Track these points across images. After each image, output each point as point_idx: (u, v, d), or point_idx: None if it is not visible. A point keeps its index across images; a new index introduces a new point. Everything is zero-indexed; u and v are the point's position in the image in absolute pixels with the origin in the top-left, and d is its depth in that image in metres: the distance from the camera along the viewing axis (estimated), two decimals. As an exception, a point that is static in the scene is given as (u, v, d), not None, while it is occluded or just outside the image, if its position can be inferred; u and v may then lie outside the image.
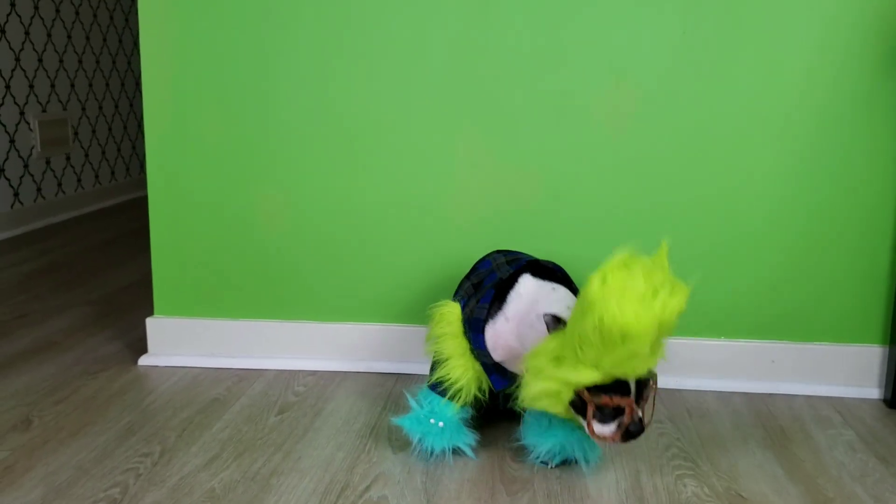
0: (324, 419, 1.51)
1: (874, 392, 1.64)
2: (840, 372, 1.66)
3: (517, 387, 1.38)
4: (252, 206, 1.72)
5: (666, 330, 1.14)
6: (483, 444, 1.41)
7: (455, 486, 1.27)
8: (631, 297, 1.09)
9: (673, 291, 1.12)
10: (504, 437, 1.42)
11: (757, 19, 1.56)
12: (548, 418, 1.35)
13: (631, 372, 1.16)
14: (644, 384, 1.20)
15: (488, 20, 1.60)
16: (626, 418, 1.18)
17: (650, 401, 1.27)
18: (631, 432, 1.19)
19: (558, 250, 1.64)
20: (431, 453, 1.35)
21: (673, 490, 1.27)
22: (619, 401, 1.17)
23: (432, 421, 1.35)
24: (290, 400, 1.59)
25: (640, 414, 1.19)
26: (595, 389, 1.17)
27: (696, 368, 1.68)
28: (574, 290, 1.32)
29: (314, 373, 1.73)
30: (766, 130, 1.60)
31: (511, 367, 1.33)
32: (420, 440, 1.35)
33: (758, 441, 1.45)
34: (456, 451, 1.36)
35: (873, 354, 1.65)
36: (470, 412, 1.41)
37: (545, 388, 1.19)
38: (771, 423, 1.52)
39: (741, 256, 1.65)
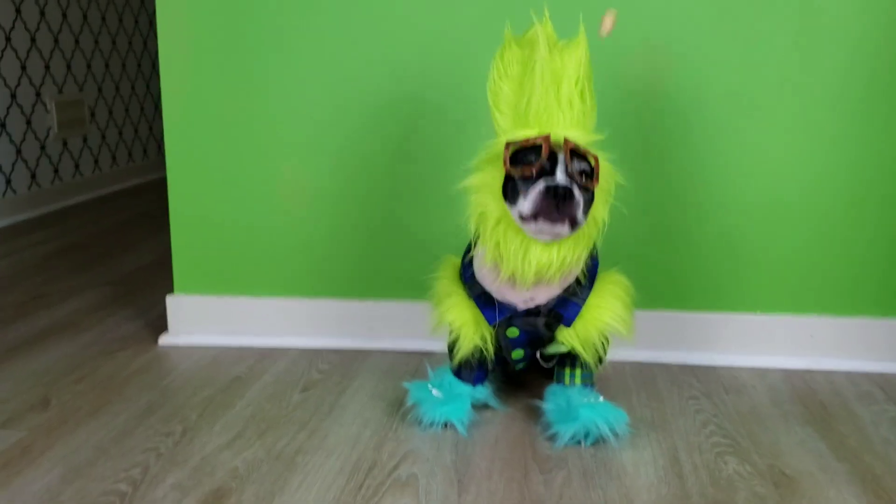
0: (349, 396, 1.47)
1: (918, 367, 1.59)
2: (881, 347, 1.60)
3: (530, 356, 1.37)
4: (272, 180, 1.68)
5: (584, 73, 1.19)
6: (514, 422, 1.37)
7: (486, 465, 1.23)
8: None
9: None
10: (535, 416, 1.37)
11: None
12: (565, 400, 1.31)
13: (554, 106, 1.17)
14: (577, 159, 1.17)
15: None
16: (543, 153, 1.14)
17: (600, 193, 1.21)
18: (555, 190, 1.12)
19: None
20: (422, 421, 1.34)
21: (714, 468, 1.22)
22: (535, 140, 1.15)
23: (435, 392, 1.35)
24: (314, 377, 1.55)
25: (565, 180, 1.14)
26: (515, 155, 1.17)
27: (731, 344, 1.63)
28: None
29: (338, 351, 1.68)
30: (806, 99, 1.54)
31: (497, 295, 1.28)
32: (415, 405, 1.36)
33: (798, 418, 1.39)
34: (449, 426, 1.33)
35: (916, 328, 1.59)
36: (488, 381, 1.40)
37: (478, 208, 1.22)
38: (811, 399, 1.47)
39: (779, 228, 1.59)
